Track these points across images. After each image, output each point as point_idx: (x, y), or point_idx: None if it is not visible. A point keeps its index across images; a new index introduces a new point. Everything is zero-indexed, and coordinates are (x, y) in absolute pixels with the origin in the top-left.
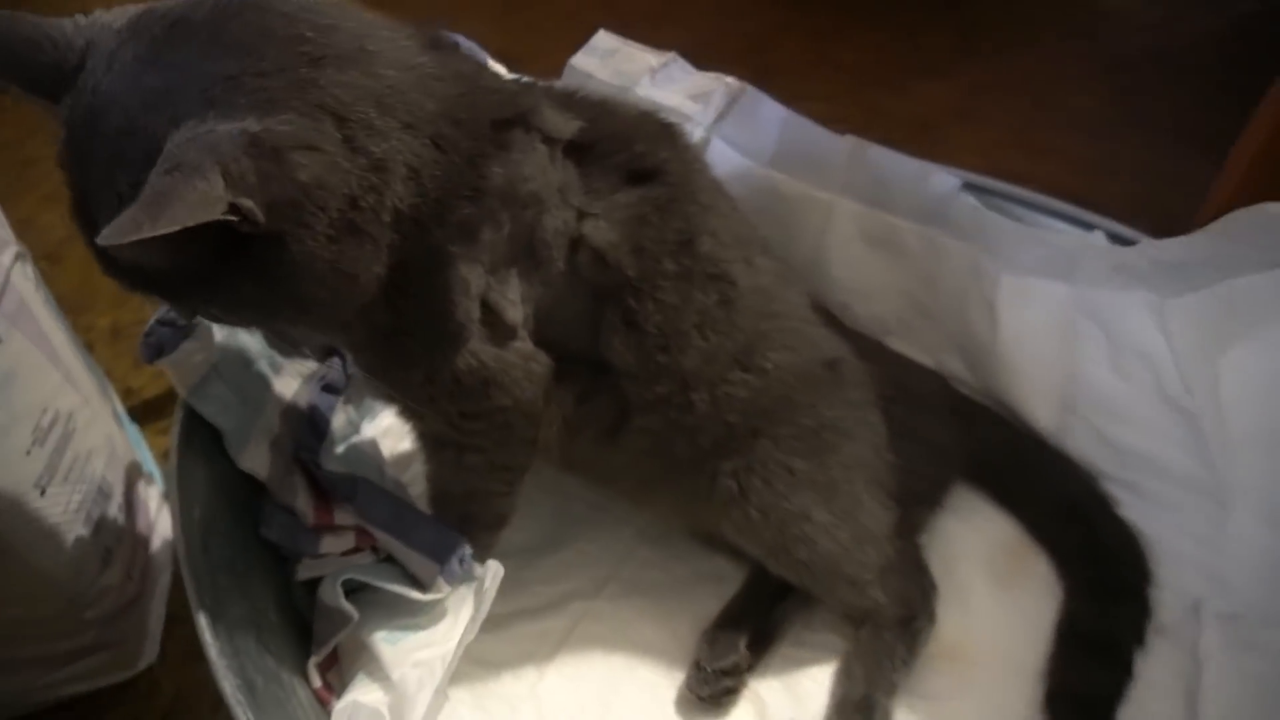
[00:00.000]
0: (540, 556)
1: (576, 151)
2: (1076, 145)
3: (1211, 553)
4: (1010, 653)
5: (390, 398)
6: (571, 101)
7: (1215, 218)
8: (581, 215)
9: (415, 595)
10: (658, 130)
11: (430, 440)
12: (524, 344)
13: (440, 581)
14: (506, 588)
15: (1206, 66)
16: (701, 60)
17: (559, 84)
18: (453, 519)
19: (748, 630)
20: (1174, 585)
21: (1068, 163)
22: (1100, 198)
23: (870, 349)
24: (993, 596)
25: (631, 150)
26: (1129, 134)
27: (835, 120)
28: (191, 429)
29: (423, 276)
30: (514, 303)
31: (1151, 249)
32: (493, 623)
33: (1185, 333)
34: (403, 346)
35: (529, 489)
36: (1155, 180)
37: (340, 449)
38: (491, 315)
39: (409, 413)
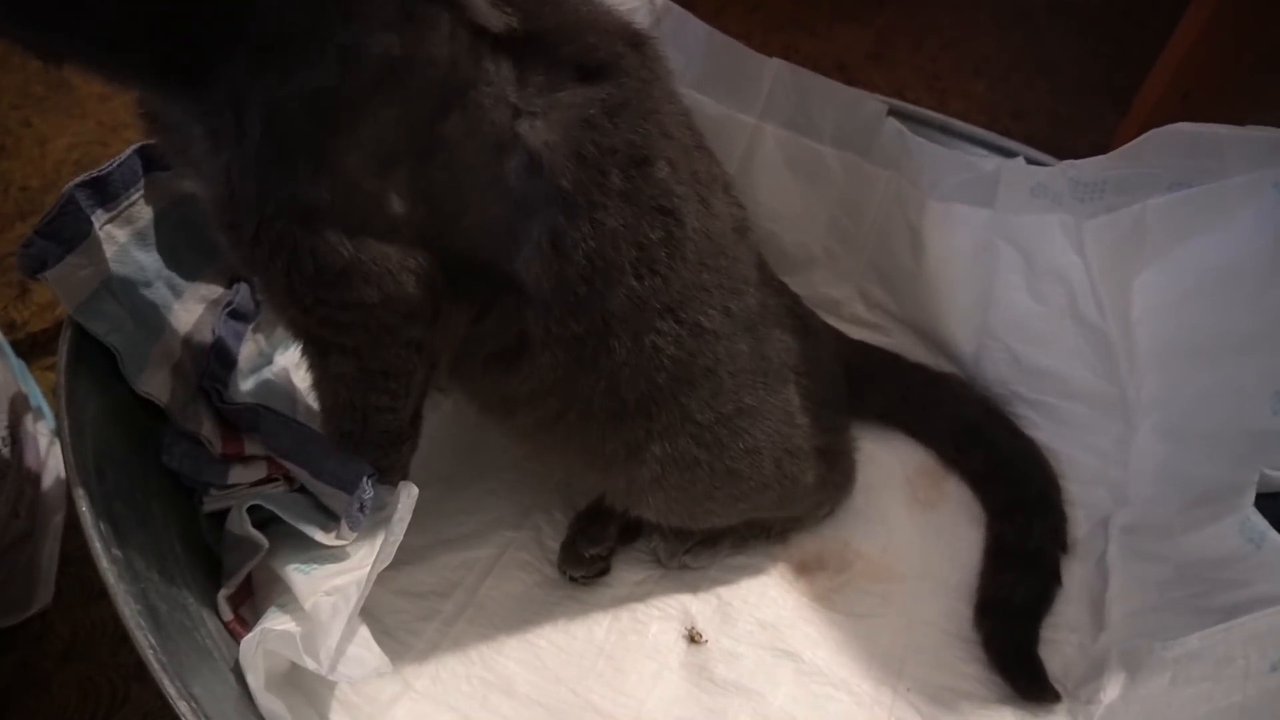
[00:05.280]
0: (462, 486)
1: (516, 43)
2: (983, 89)
3: (1117, 469)
4: (931, 570)
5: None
6: None
7: None
8: (517, 113)
9: (320, 539)
10: (620, 28)
11: (299, 339)
12: (403, 241)
13: (344, 527)
14: (429, 518)
15: (1105, 19)
16: None
17: None
18: (337, 438)
19: (618, 518)
20: (1083, 502)
21: (975, 105)
22: (1007, 138)
23: (786, 303)
24: (912, 518)
25: (582, 41)
26: (1033, 80)
27: None
28: (81, 349)
29: (250, 114)
30: (398, 194)
31: (1070, 169)
32: (416, 554)
33: (1100, 253)
34: (236, 167)
35: (447, 420)
36: (1059, 123)
37: (250, 381)
38: (366, 201)
39: (267, 298)
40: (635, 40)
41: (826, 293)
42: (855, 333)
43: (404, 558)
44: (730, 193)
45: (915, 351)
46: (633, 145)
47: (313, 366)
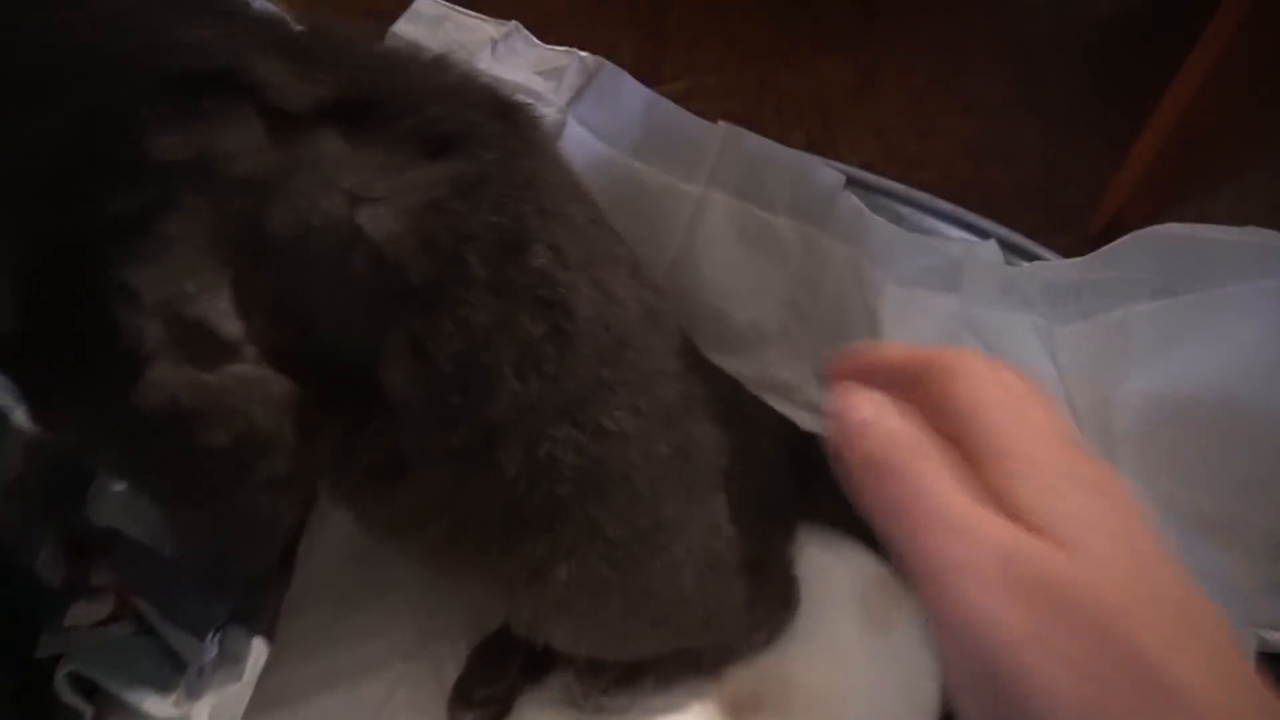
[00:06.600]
0: (356, 607)
1: (343, 114)
2: (971, 128)
3: None
4: (883, 706)
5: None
6: (332, 51)
7: (1116, 212)
8: (355, 200)
9: (154, 712)
10: (479, 96)
11: (135, 491)
12: (247, 366)
13: (181, 694)
14: (314, 645)
15: (1107, 56)
16: (586, 26)
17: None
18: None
19: (522, 650)
20: None
21: (962, 146)
22: (994, 184)
23: (720, 392)
24: (864, 643)
25: (422, 114)
26: (1025, 120)
27: (728, 93)
28: None
29: (58, 282)
30: (229, 314)
31: (1043, 270)
32: (294, 692)
33: (1075, 363)
34: (48, 371)
35: (345, 524)
36: (1051, 168)
37: (110, 496)
38: (193, 332)
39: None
40: (499, 108)
41: (779, 375)
42: (810, 420)
43: (280, 698)
44: (639, 274)
45: None
46: (497, 229)
47: (153, 508)
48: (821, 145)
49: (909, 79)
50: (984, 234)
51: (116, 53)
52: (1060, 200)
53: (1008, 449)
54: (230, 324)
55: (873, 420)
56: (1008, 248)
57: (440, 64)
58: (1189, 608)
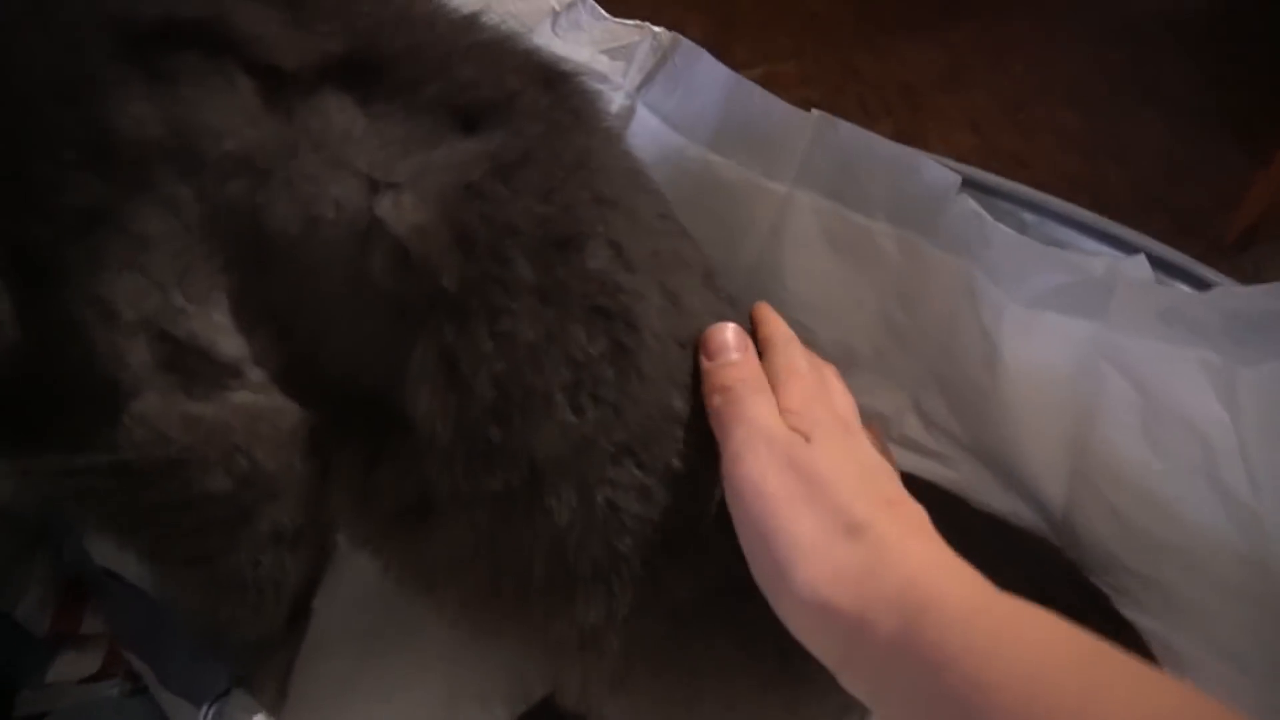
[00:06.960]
0: (384, 650)
1: (352, 78)
2: (1077, 122)
3: (1270, 690)
4: None
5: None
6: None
7: (1255, 219)
8: (374, 187)
9: None
10: (519, 60)
11: (122, 550)
12: (251, 392)
13: None
14: (326, 702)
15: (1231, 38)
16: (652, 7)
17: None
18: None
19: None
20: None
21: (1068, 141)
22: (1107, 184)
23: None
24: None
25: (452, 77)
26: (1138, 110)
27: (805, 81)
28: None
29: (22, 297)
30: (227, 329)
31: (1225, 298)
32: None
33: (1262, 411)
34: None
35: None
36: (1171, 167)
37: None
38: (184, 353)
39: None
40: (544, 75)
41: (871, 404)
42: (906, 460)
43: None
44: (714, 283)
45: (985, 491)
46: (545, 220)
47: (142, 564)
48: (910, 139)
49: (1006, 66)
50: (1129, 248)
51: (59, 7)
52: (1183, 203)
53: (790, 404)
54: (229, 341)
55: (738, 361)
56: (1161, 267)
57: (472, 22)
58: (881, 482)
